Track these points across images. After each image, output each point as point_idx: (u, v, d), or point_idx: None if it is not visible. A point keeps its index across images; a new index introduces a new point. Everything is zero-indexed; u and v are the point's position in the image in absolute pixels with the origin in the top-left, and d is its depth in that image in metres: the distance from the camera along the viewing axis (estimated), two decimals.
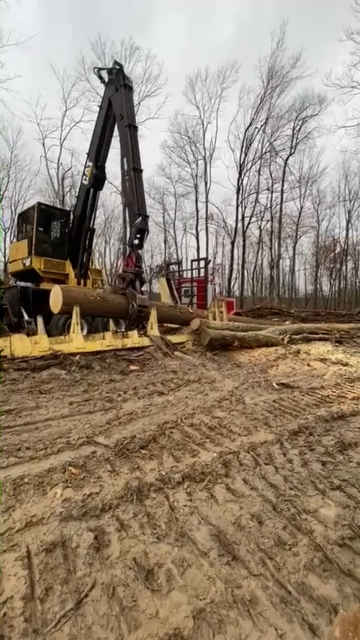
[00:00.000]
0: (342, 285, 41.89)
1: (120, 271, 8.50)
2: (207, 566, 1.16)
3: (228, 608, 1.00)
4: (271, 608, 1.01)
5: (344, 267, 40.86)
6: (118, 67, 8.81)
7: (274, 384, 3.92)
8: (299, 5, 43.55)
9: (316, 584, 1.10)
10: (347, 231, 38.41)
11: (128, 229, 7.67)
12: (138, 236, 7.60)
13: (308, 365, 5.35)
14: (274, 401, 3.21)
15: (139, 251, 7.73)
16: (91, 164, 9.51)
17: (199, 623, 0.94)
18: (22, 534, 1.27)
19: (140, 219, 7.46)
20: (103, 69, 9.38)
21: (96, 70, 9.54)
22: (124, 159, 8.08)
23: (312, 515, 1.45)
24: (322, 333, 9.24)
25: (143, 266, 8.24)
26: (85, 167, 9.80)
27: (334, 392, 3.59)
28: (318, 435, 2.36)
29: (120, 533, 1.30)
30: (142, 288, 7.52)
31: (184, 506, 1.50)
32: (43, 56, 47.40)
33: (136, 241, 7.60)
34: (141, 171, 8.00)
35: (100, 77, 9.30)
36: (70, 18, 45.13)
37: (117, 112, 8.59)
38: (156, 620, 0.95)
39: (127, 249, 7.79)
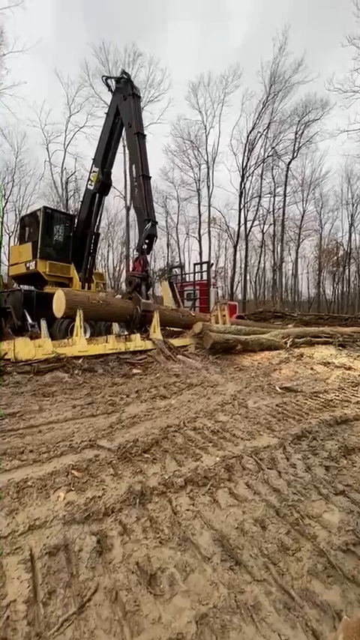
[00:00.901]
0: (345, 288, 41.84)
1: (126, 275, 8.64)
2: (210, 571, 1.16)
3: (231, 614, 0.99)
4: (274, 613, 1.00)
5: (347, 270, 40.83)
6: (126, 77, 8.97)
7: (277, 388, 3.91)
8: (301, 10, 44.04)
9: (319, 590, 1.09)
10: (350, 234, 38.49)
11: (137, 235, 7.79)
12: (147, 241, 7.76)
13: (311, 369, 5.32)
14: (277, 405, 3.20)
15: (147, 255, 7.84)
16: (97, 169, 9.60)
17: (201, 629, 0.94)
18: (25, 537, 1.27)
19: (149, 224, 7.59)
20: (111, 77, 9.55)
21: (104, 78, 9.73)
22: (133, 166, 8.23)
23: (315, 521, 1.45)
24: (326, 337, 9.21)
25: (149, 270, 8.33)
26: (90, 172, 9.89)
27: (338, 396, 3.58)
28: (321, 440, 2.35)
29: (123, 537, 1.30)
30: (148, 292, 7.59)
31: (187, 510, 1.49)
32: (48, 62, 48.31)
33: (145, 246, 7.75)
34: (149, 178, 8.13)
35: (108, 85, 9.45)
36: (74, 23, 45.98)
37: (125, 120, 8.74)
38: (159, 624, 0.95)
39: (136, 253, 7.90)
